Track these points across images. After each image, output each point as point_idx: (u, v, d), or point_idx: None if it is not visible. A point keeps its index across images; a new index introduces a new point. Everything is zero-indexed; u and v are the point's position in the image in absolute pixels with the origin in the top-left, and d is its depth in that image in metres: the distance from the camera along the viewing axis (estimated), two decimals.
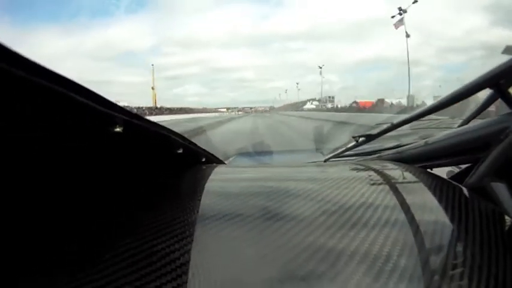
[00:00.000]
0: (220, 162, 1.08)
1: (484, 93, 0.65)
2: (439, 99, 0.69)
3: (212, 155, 0.97)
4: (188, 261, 0.36)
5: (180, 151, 0.67)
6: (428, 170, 0.78)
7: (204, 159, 0.89)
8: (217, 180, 0.73)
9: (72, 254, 0.37)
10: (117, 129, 0.40)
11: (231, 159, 1.96)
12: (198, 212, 0.48)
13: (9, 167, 0.34)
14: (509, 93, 0.55)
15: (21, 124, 0.31)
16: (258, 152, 2.23)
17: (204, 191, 0.59)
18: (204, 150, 0.87)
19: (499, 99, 0.59)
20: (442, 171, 0.79)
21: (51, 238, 0.38)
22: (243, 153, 2.18)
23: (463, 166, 0.70)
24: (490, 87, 0.58)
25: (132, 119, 0.43)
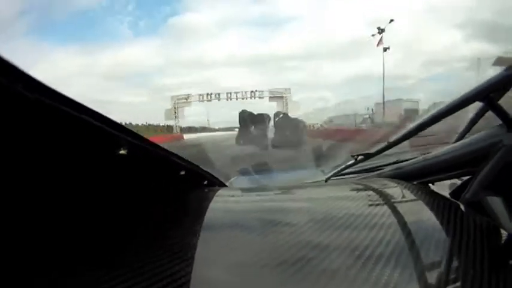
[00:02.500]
0: (221, 184, 1.08)
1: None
2: (430, 113, 0.70)
3: (214, 176, 0.98)
4: (189, 283, 0.35)
5: (183, 173, 0.68)
6: (430, 184, 0.77)
7: (205, 182, 0.89)
8: (219, 204, 0.73)
9: (73, 272, 0.36)
10: (122, 152, 0.42)
11: (232, 180, 1.96)
12: (199, 235, 0.48)
13: (14, 186, 0.35)
14: (499, 105, 0.56)
15: (26, 144, 0.32)
16: (258, 172, 2.22)
17: (206, 214, 0.59)
18: (206, 172, 0.88)
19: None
20: (444, 185, 0.78)
21: (52, 257, 0.38)
22: (244, 173, 2.18)
23: (464, 178, 0.69)
24: (481, 101, 0.59)
25: (137, 141, 0.44)
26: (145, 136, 0.50)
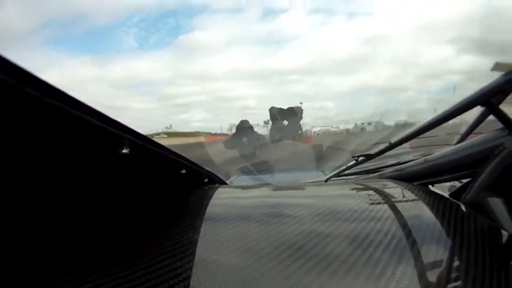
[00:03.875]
0: (222, 182, 1.09)
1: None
2: (432, 117, 0.71)
3: (214, 175, 0.98)
4: (189, 280, 0.36)
5: (184, 172, 0.68)
6: (430, 186, 0.78)
7: (206, 180, 0.90)
8: (219, 201, 0.73)
9: (75, 270, 0.37)
10: (125, 151, 0.42)
11: (232, 178, 1.97)
12: (199, 233, 0.48)
13: (19, 184, 0.35)
14: (500, 110, 0.58)
15: (30, 142, 0.32)
16: (259, 171, 2.23)
17: (206, 212, 0.59)
18: (206, 170, 0.88)
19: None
20: (444, 186, 0.79)
21: (54, 256, 0.38)
22: (245, 172, 2.18)
23: (464, 181, 0.70)
24: (482, 105, 0.61)
25: (139, 140, 0.44)
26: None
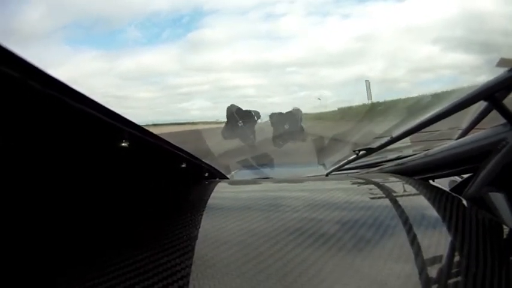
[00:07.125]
0: (223, 176, 1.09)
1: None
2: (434, 111, 0.70)
3: (215, 169, 0.98)
4: (189, 275, 0.35)
5: (184, 166, 0.68)
6: (430, 181, 0.78)
7: (207, 174, 0.90)
8: (220, 195, 0.73)
9: (74, 266, 0.37)
10: (124, 144, 0.42)
11: (233, 173, 1.97)
12: (200, 227, 0.48)
13: (16, 178, 0.35)
14: (504, 105, 0.57)
15: (29, 134, 0.32)
16: (260, 165, 2.23)
17: (207, 207, 0.59)
18: (207, 164, 0.88)
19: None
20: (445, 181, 0.79)
21: (52, 252, 0.38)
22: (245, 167, 2.19)
23: (465, 176, 0.70)
24: (485, 100, 0.60)
25: (139, 133, 0.44)
26: None
